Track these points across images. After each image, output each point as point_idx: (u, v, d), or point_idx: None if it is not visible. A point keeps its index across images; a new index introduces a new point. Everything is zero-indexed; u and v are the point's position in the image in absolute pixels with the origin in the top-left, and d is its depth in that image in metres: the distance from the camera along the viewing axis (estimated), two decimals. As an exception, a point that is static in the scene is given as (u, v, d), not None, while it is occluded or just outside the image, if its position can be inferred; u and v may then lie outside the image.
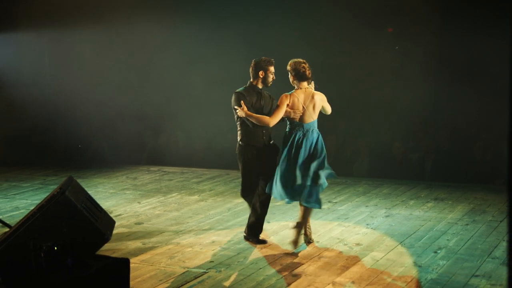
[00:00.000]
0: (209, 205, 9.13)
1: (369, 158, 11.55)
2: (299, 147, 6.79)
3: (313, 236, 7.25)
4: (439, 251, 6.80)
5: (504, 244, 7.00)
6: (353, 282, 5.91)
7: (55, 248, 4.97)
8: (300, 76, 6.81)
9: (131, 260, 6.10)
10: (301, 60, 6.83)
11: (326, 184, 6.85)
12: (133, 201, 9.47)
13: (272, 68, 7.04)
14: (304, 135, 6.82)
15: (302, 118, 6.82)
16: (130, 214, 8.66)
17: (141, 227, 7.98)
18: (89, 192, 6.03)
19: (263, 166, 7.02)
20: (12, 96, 13.14)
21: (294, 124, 6.85)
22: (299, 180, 6.71)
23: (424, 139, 11.42)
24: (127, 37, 12.95)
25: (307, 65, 6.81)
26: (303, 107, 6.79)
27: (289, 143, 6.83)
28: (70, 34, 13.19)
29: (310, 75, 6.84)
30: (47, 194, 7.18)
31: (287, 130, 6.94)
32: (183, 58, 12.56)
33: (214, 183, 10.61)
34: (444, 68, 11.17)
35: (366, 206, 8.92)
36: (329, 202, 9.13)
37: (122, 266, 5.40)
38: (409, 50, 11.56)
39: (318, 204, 6.82)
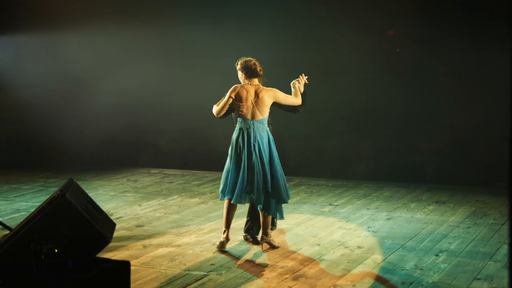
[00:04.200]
0: (209, 208, 9.12)
1: (369, 161, 11.53)
2: (249, 145, 6.80)
3: (313, 239, 7.29)
4: (440, 254, 6.78)
5: (505, 247, 6.98)
6: (354, 285, 5.89)
7: (56, 250, 4.95)
8: (251, 73, 6.89)
9: (132, 263, 6.08)
10: (250, 58, 6.97)
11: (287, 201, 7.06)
12: (134, 204, 9.45)
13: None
14: (253, 131, 6.82)
15: (251, 114, 6.85)
16: (130, 217, 8.65)
17: (142, 229, 7.97)
18: (89, 194, 6.01)
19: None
20: (12, 98, 13.13)
21: (243, 119, 6.87)
22: (256, 186, 6.78)
23: (425, 142, 11.39)
24: (128, 40, 12.92)
25: (257, 62, 6.96)
26: (252, 102, 6.84)
27: (238, 141, 6.86)
28: (71, 37, 13.17)
29: (260, 72, 6.94)
30: (47, 196, 7.16)
31: (236, 126, 6.97)
32: (183, 58, 12.52)
33: (214, 186, 10.59)
34: (446, 70, 11.13)
35: (367, 208, 8.91)
36: (330, 204, 9.11)
37: (122, 268, 5.39)
38: (410, 53, 11.53)
39: (280, 214, 7.05)
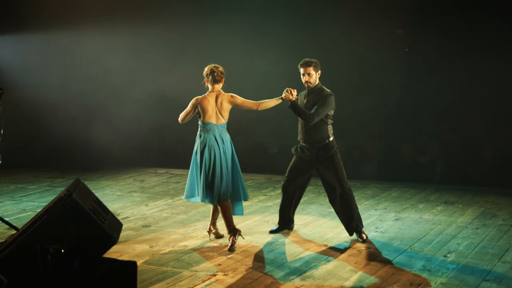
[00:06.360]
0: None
1: (378, 161, 11.48)
2: (214, 148, 7.03)
3: (321, 240, 7.32)
4: (449, 255, 6.73)
5: (515, 248, 6.93)
6: (361, 286, 5.85)
7: (62, 250, 4.93)
8: (213, 79, 7.07)
9: (138, 263, 6.06)
10: (215, 65, 7.15)
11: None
12: (141, 204, 9.43)
13: (301, 70, 7.26)
14: (218, 135, 7.07)
15: (215, 119, 7.06)
16: (137, 217, 8.63)
17: (149, 229, 7.94)
18: (96, 194, 6.00)
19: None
20: (19, 98, 13.13)
21: (208, 124, 7.06)
22: (225, 185, 7.04)
23: (433, 142, 11.34)
24: (133, 39, 12.92)
25: (217, 69, 7.09)
26: (215, 108, 7.05)
27: (204, 145, 7.06)
28: (77, 36, 13.17)
29: (217, 77, 7.07)
30: (54, 196, 7.16)
31: (200, 132, 7.13)
32: (191, 56, 12.50)
33: (221, 186, 10.55)
34: (455, 71, 11.09)
35: (375, 209, 8.86)
36: (338, 205, 9.06)
37: (129, 269, 5.36)
38: (417, 53, 11.50)
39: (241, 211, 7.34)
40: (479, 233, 7.57)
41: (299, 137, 7.40)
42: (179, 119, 7.21)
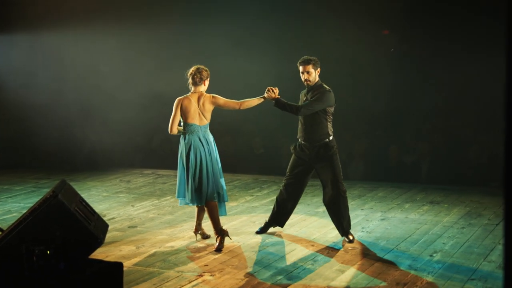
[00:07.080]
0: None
1: (364, 161, 11.51)
2: (199, 149, 7.01)
3: (307, 240, 7.34)
4: (434, 255, 6.76)
5: (500, 247, 6.96)
6: (348, 287, 5.86)
7: (48, 252, 4.90)
8: (193, 81, 7.06)
9: (125, 264, 6.04)
10: (198, 66, 7.09)
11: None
12: (127, 204, 9.40)
13: (300, 68, 7.19)
14: (202, 136, 7.06)
15: (198, 120, 7.05)
16: (123, 218, 8.60)
17: (135, 230, 7.92)
18: (82, 195, 5.97)
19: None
20: (5, 99, 13.06)
21: (191, 126, 7.04)
22: (212, 185, 7.03)
23: (419, 142, 11.38)
24: (120, 39, 12.88)
25: (202, 72, 7.04)
26: (197, 109, 7.03)
27: (189, 146, 7.03)
28: (66, 36, 13.11)
29: (197, 79, 7.04)
30: (39, 197, 7.12)
31: (184, 133, 7.10)
32: (176, 56, 12.48)
33: (208, 186, 10.53)
34: (440, 71, 11.14)
35: (362, 209, 8.87)
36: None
37: (115, 270, 5.34)
38: (404, 52, 11.53)
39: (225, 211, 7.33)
40: (464, 233, 7.60)
41: (299, 135, 7.35)
42: (169, 130, 7.08)
